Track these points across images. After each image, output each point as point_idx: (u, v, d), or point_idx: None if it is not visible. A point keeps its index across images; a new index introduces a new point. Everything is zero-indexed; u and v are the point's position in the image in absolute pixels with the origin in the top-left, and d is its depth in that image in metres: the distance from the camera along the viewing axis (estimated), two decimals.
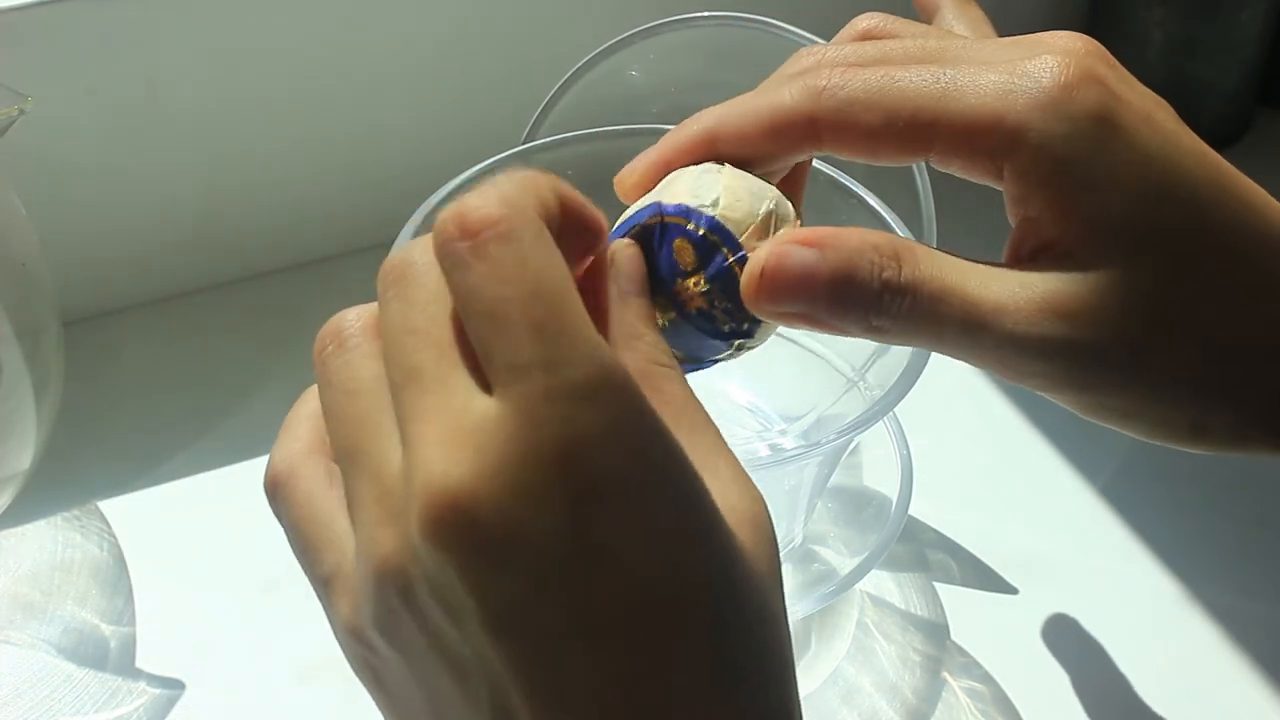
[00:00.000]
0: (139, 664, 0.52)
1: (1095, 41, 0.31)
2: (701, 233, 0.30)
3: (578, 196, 0.28)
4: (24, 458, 0.51)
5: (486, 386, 0.25)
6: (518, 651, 0.24)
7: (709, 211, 0.30)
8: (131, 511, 0.58)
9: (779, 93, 0.32)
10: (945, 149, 0.31)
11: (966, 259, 0.31)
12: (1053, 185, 0.30)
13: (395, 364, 0.26)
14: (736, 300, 0.30)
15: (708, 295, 0.30)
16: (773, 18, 0.51)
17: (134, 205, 0.66)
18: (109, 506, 0.58)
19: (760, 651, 0.26)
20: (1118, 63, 0.31)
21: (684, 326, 0.31)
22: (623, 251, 0.30)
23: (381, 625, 0.26)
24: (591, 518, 0.24)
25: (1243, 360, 0.31)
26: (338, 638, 0.28)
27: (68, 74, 0.61)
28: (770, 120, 0.32)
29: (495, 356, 0.24)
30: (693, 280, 0.30)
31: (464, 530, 0.24)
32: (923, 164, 0.53)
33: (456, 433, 0.24)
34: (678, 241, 0.30)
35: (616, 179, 0.33)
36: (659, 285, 0.31)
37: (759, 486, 0.28)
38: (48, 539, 0.57)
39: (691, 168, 0.32)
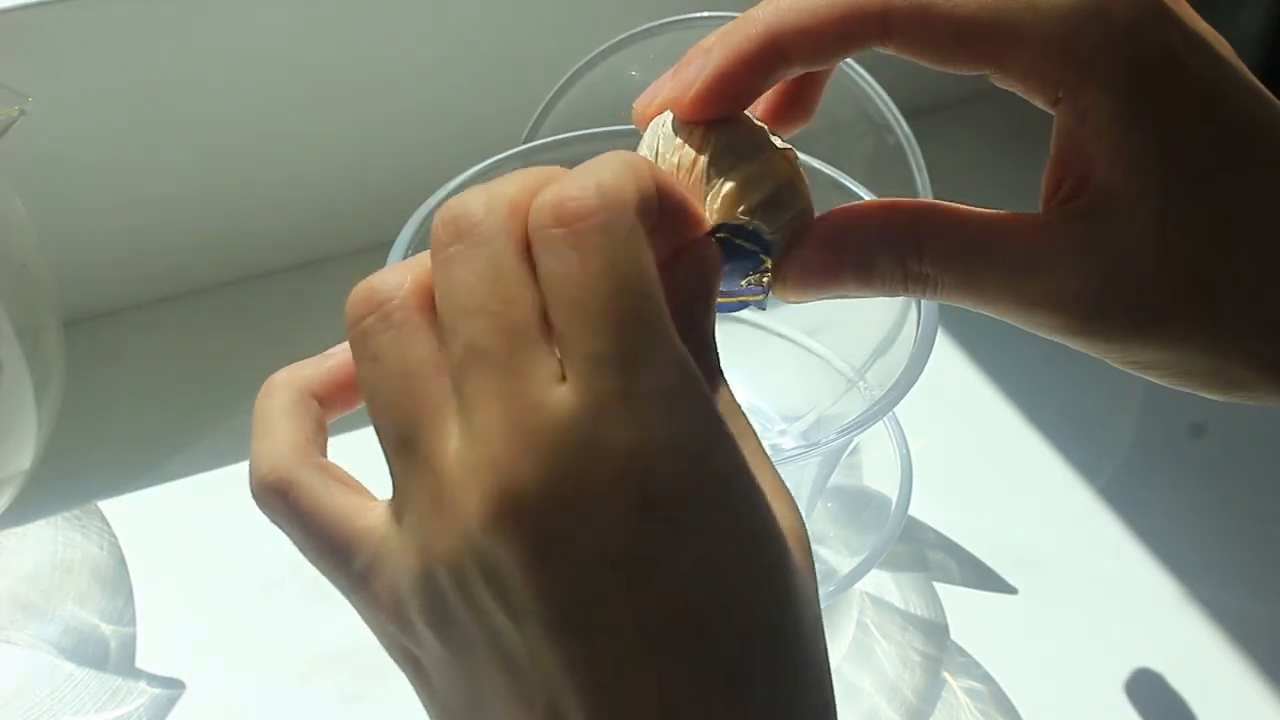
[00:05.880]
0: (139, 664, 0.52)
1: None
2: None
3: (677, 188, 0.28)
4: (24, 458, 0.51)
5: (561, 373, 0.24)
6: (576, 656, 0.24)
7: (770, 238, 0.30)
8: (131, 511, 0.58)
9: None
10: (1010, 70, 0.30)
11: (990, 222, 0.31)
12: (1112, 125, 0.29)
13: (461, 341, 0.25)
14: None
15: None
16: None
17: (134, 205, 0.66)
18: (109, 506, 0.58)
19: (813, 658, 0.26)
20: None
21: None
22: (707, 249, 0.29)
23: (430, 617, 0.26)
24: (660, 527, 0.24)
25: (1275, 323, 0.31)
26: (373, 628, 0.28)
27: (68, 74, 0.61)
28: (843, 18, 0.30)
29: (575, 347, 0.24)
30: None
31: (530, 532, 0.24)
32: (922, 164, 0.54)
33: (527, 429, 0.24)
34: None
35: (673, 100, 0.31)
36: None
37: None
38: (48, 539, 0.57)
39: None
